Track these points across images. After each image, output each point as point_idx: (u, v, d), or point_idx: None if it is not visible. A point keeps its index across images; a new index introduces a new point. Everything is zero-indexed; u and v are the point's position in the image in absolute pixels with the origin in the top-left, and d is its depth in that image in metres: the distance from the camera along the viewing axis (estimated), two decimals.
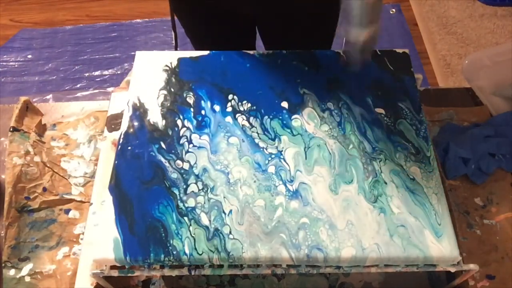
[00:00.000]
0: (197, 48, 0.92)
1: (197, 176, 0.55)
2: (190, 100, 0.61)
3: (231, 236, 0.51)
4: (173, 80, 0.63)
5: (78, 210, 0.67)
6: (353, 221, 0.52)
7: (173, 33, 0.76)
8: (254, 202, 0.53)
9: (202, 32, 0.84)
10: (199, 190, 0.54)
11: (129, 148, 0.57)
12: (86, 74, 1.79)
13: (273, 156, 0.56)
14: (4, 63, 1.83)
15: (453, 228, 0.52)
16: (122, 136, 0.58)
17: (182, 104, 0.61)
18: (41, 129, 0.74)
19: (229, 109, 0.60)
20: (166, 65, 0.65)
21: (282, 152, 0.57)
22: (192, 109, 0.60)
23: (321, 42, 0.85)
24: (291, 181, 0.54)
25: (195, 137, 0.58)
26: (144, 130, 0.59)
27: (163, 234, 0.51)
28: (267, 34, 0.87)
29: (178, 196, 0.53)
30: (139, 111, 0.60)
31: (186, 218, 0.52)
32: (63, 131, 0.74)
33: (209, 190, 0.54)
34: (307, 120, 0.59)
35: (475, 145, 0.70)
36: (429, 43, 1.78)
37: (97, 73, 1.79)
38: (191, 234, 0.51)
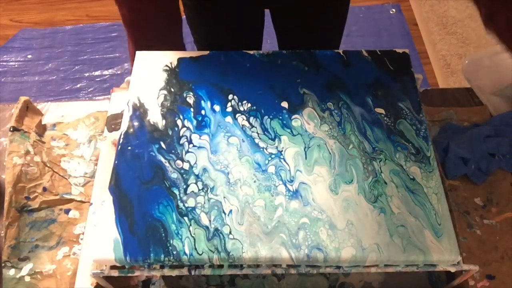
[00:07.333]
0: (200, 40, 0.93)
1: (197, 176, 0.55)
2: (190, 100, 0.61)
3: (231, 236, 0.51)
4: (173, 80, 0.63)
5: (78, 210, 0.67)
6: (353, 221, 0.52)
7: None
8: (254, 202, 0.53)
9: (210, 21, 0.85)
10: (199, 190, 0.54)
11: (129, 148, 0.57)
12: (86, 74, 1.79)
13: (273, 156, 0.56)
14: (4, 63, 1.83)
15: (453, 228, 0.52)
16: (122, 136, 0.58)
17: (182, 104, 0.61)
18: (41, 129, 0.74)
19: (229, 109, 0.60)
20: (166, 65, 0.65)
21: (282, 152, 0.57)
22: (192, 109, 0.60)
23: (330, 37, 0.88)
24: (291, 181, 0.54)
25: (195, 137, 0.58)
26: (144, 130, 0.59)
27: (163, 234, 0.51)
28: (280, 22, 0.89)
29: (178, 196, 0.53)
30: (139, 111, 0.60)
31: (186, 218, 0.52)
32: (63, 131, 0.74)
33: (209, 190, 0.54)
34: (307, 120, 0.59)
35: (475, 145, 0.70)
36: (429, 43, 1.79)
37: (97, 73, 1.79)
38: (191, 234, 0.51)
